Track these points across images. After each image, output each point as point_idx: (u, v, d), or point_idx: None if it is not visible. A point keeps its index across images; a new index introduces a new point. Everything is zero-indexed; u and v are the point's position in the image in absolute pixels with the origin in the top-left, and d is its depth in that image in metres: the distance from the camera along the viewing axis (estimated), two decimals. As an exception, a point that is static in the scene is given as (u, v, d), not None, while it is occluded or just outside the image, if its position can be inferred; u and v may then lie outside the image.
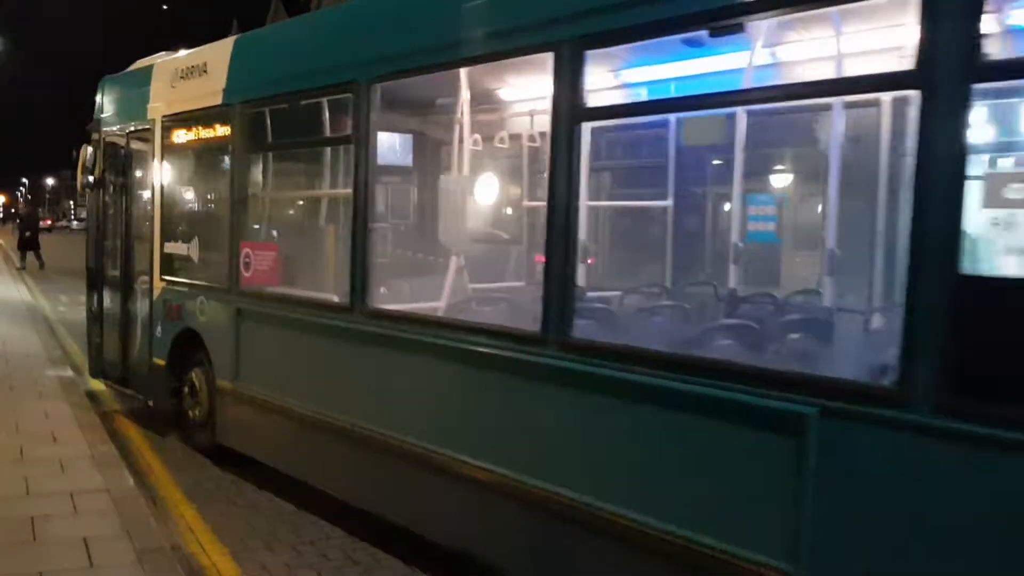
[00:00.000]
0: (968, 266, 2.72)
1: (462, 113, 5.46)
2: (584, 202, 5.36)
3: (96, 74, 9.17)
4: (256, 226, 6.69)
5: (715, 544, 3.34)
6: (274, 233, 6.74)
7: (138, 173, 8.32)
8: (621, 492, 3.72)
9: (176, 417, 7.53)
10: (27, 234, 27.19)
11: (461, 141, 5.51)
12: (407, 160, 6.02)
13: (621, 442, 3.74)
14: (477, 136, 5.45)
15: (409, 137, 6.00)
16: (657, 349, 3.78)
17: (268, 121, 6.44)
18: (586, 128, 4.62)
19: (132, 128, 8.21)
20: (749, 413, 3.24)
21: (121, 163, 8.55)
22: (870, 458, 2.92)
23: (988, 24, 2.66)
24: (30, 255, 26.71)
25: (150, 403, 7.97)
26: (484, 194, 5.46)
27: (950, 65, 2.70)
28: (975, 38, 2.66)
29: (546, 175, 4.07)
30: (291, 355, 5.98)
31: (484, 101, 5.90)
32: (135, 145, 8.25)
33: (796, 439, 3.08)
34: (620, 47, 4.33)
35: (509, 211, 6.43)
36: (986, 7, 2.64)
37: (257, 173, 6.74)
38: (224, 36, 9.36)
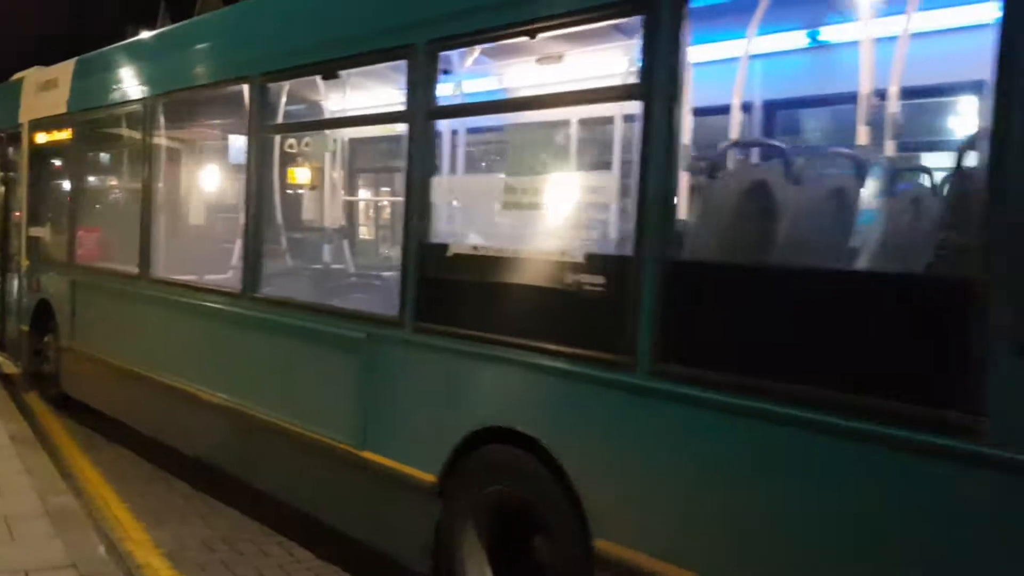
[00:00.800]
0: (432, 238, 4.25)
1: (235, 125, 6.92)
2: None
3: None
4: (87, 213, 8.15)
5: (320, 431, 4.85)
6: (99, 219, 8.22)
7: (15, 169, 9.75)
8: (276, 401, 5.23)
9: (36, 375, 8.95)
10: None
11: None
12: (190, 161, 7.47)
13: (278, 365, 5.25)
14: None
15: (195, 143, 7.48)
16: (295, 297, 5.31)
17: (92, 127, 7.94)
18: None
19: (10, 131, 9.64)
20: (336, 339, 4.76)
21: (3, 161, 10.02)
22: (390, 363, 4.45)
23: (440, 88, 4.24)
24: None
25: (18, 364, 9.39)
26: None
27: (422, 109, 4.25)
28: (431, 96, 4.22)
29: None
30: (102, 316, 7.45)
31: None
32: (13, 145, 9.68)
33: (355, 355, 4.60)
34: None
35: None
36: (438, 80, 4.20)
37: (88, 169, 8.22)
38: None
